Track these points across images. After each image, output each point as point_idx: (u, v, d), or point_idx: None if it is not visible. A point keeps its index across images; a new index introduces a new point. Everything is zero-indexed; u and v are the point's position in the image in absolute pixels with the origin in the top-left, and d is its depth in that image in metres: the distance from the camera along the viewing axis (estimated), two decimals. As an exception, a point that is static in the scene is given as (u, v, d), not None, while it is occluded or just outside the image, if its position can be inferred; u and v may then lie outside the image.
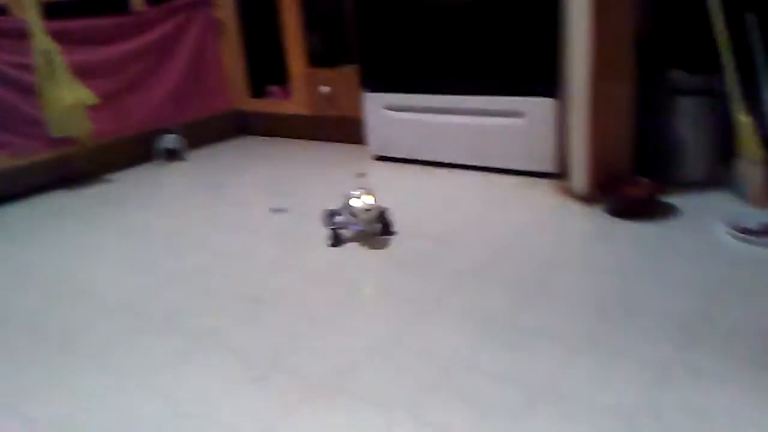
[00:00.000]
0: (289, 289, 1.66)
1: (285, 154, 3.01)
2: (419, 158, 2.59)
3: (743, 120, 1.87)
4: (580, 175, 2.06)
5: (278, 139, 3.29)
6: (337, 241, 1.89)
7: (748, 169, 1.91)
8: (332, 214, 1.92)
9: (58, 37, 2.50)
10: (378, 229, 1.90)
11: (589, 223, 1.92)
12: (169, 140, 2.95)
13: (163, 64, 2.96)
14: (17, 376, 1.38)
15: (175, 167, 2.93)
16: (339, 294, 1.61)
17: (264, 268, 1.81)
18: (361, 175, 1.81)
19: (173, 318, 1.57)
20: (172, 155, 2.98)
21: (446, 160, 2.52)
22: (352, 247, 1.88)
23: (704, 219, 1.83)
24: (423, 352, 1.32)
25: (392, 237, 1.90)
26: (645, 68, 2.05)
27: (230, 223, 2.20)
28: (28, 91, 2.49)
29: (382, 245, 1.86)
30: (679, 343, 1.27)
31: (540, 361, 1.26)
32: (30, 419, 1.23)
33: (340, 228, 1.89)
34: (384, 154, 2.69)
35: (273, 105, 3.20)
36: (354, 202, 1.81)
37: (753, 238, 1.67)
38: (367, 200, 1.81)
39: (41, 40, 2.45)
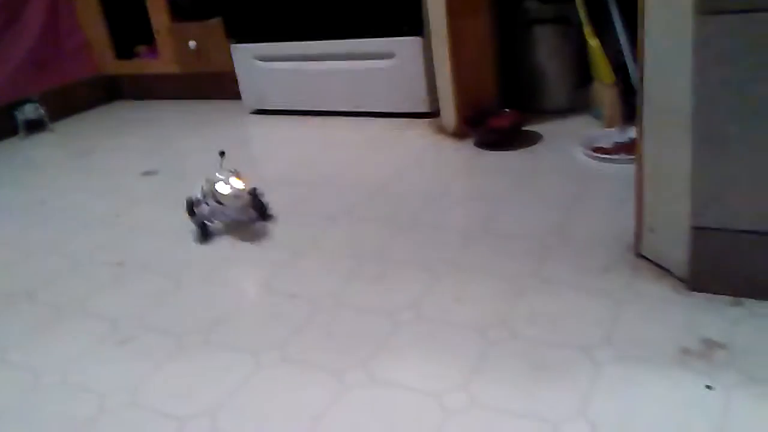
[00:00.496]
0: (157, 251, 1.62)
1: (158, 116, 2.89)
2: (295, 109, 2.55)
3: (593, 44, 1.95)
4: (449, 112, 2.10)
5: (152, 101, 3.14)
6: (205, 236, 1.61)
7: (602, 92, 2.00)
8: (195, 203, 1.61)
9: None
10: (253, 216, 1.63)
11: (460, 157, 1.97)
12: (31, 110, 2.76)
13: (12, 29, 2.74)
14: None
15: (40, 138, 2.75)
16: (209, 250, 1.59)
17: (132, 232, 1.75)
18: (222, 154, 1.58)
19: (37, 289, 1.49)
20: (35, 126, 2.79)
21: (322, 109, 2.50)
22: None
23: (564, 143, 1.91)
24: (293, 296, 1.33)
25: (270, 222, 1.66)
26: (501, 1, 2.09)
27: (99, 189, 2.10)
28: None
29: (258, 234, 1.62)
30: (535, 258, 1.34)
31: (404, 289, 1.29)
32: None
33: (206, 220, 1.61)
34: (259, 108, 2.64)
35: (141, 66, 3.05)
36: (220, 188, 1.51)
37: (606, 156, 1.77)
38: (236, 184, 1.52)
39: None
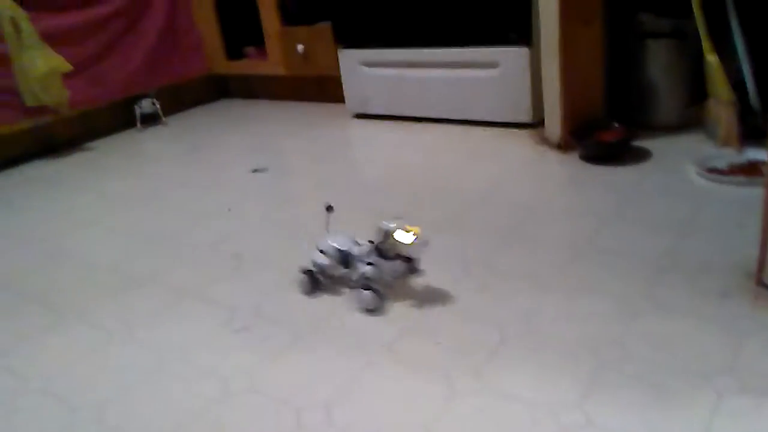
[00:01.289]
0: (269, 244, 1.69)
1: (264, 115, 3.01)
2: (397, 114, 2.60)
3: (712, 60, 1.88)
4: (554, 123, 2.08)
5: (257, 101, 3.28)
6: (379, 302, 1.32)
7: (718, 110, 1.93)
8: (320, 270, 1.39)
9: (24, 2, 2.46)
10: (401, 270, 1.37)
11: (564, 170, 1.95)
12: (147, 105, 2.94)
13: (136, 28, 2.93)
14: (5, 333, 1.41)
15: (155, 132, 2.92)
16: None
17: (245, 225, 1.83)
18: (329, 209, 1.40)
19: (159, 273, 1.60)
20: (151, 120, 2.97)
21: (424, 115, 2.53)
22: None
23: (675, 161, 1.86)
24: (403, 294, 1.36)
25: (418, 275, 1.41)
26: (614, 12, 2.05)
27: (210, 184, 2.21)
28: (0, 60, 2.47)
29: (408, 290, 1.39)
30: (646, 280, 1.32)
31: (512, 300, 1.30)
32: (20, 377, 1.27)
33: (366, 285, 1.32)
34: (362, 112, 2.70)
35: (250, 66, 3.18)
36: (401, 236, 1.28)
37: (721, 177, 1.71)
38: (406, 237, 1.28)
39: (5, 5, 2.42)
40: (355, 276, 1.35)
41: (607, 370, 1.08)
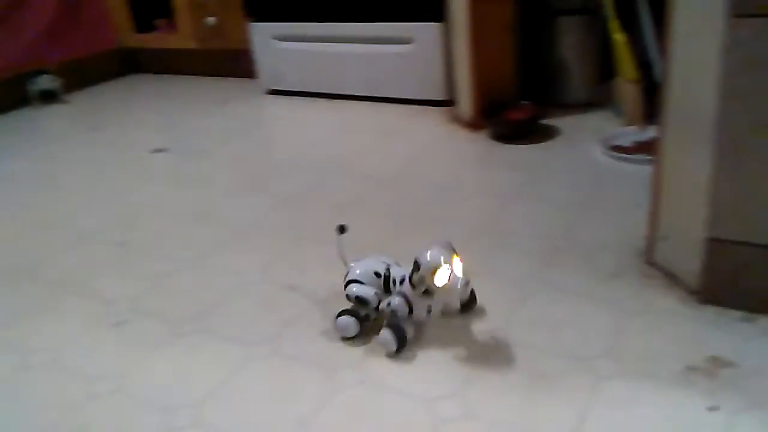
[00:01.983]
0: (160, 231, 1.60)
1: (174, 91, 2.87)
2: (311, 90, 2.51)
3: (618, 39, 1.88)
4: (465, 101, 2.05)
5: (170, 76, 3.12)
6: (403, 343, 1.07)
7: (624, 88, 1.94)
8: (364, 301, 1.10)
9: None
10: (440, 307, 1.09)
11: (473, 149, 1.92)
12: (45, 82, 2.75)
13: (27, 0, 2.73)
14: None
15: (54, 110, 2.74)
16: (212, 234, 1.56)
17: (136, 210, 1.73)
18: (342, 229, 1.17)
19: (35, 267, 1.48)
20: (49, 97, 2.78)
21: (338, 92, 2.45)
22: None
23: (582, 139, 1.86)
24: (291, 288, 1.30)
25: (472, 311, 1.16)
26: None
27: (109, 165, 2.09)
28: None
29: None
30: (542, 260, 1.30)
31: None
32: None
33: (398, 322, 1.07)
34: (275, 88, 2.60)
35: (160, 40, 3.02)
36: (440, 278, 1.01)
37: (625, 155, 1.71)
38: (457, 269, 1.02)
39: None
40: (383, 304, 1.08)
41: (490, 357, 1.05)
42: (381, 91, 2.36)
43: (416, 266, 1.02)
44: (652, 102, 1.88)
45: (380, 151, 1.96)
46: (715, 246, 1.07)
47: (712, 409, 0.91)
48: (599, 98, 2.07)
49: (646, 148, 1.72)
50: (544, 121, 1.97)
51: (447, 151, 1.93)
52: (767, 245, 1.03)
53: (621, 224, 1.39)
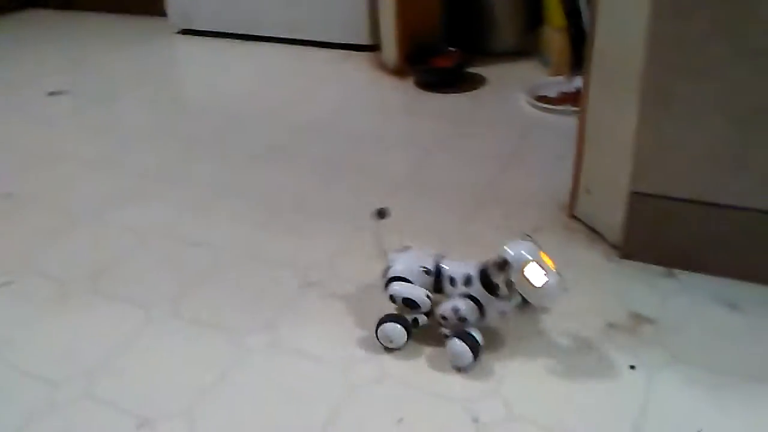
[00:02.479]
0: (54, 182, 1.46)
1: (77, 29, 2.63)
2: (226, 31, 2.35)
3: (547, -15, 1.82)
4: (390, 47, 1.95)
5: (73, 12, 2.86)
6: (477, 354, 0.90)
7: (551, 37, 1.89)
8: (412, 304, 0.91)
9: None
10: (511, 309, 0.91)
11: (398, 97, 1.84)
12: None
13: None
14: None
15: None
16: (112, 184, 1.43)
17: (27, 158, 1.57)
18: (382, 214, 0.96)
19: None
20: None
21: (256, 33, 2.30)
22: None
23: (508, 88, 1.80)
24: (196, 244, 1.20)
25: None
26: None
27: (-3, 109, 1.89)
28: None
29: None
30: (463, 214, 1.25)
31: (321, 244, 1.18)
32: None
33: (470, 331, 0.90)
34: (187, 27, 2.41)
35: (60, -29, 2.75)
36: (534, 276, 0.83)
37: (549, 106, 1.67)
38: (538, 277, 0.84)
39: None
40: (445, 309, 0.89)
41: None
42: (303, 33, 2.22)
43: (502, 264, 0.84)
44: (580, 51, 1.84)
45: (300, 98, 1.85)
46: (638, 200, 1.05)
47: (632, 366, 0.89)
48: (527, 47, 2.02)
49: (572, 98, 1.69)
50: (471, 70, 1.91)
51: (371, 99, 1.84)
52: (689, 199, 1.01)
53: (545, 177, 1.35)
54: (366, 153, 1.52)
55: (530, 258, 0.83)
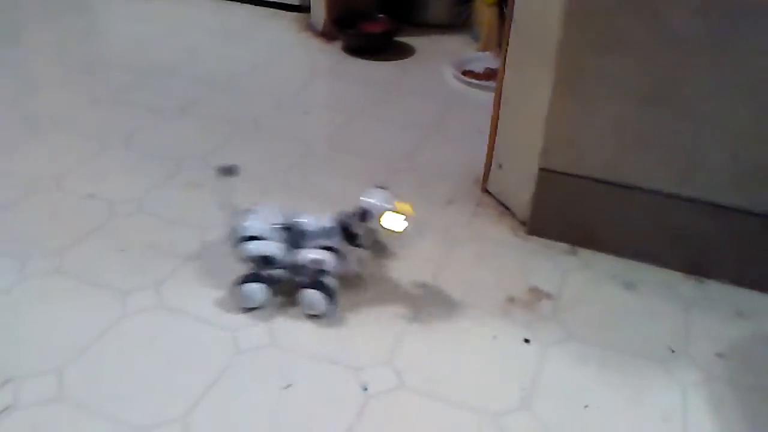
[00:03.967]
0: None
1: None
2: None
3: (480, -42, 1.79)
4: (318, 8, 1.89)
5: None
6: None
7: (482, 12, 1.87)
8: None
9: None
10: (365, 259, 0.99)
11: (323, 60, 1.78)
12: None
13: None
14: None
15: None
16: (6, 127, 1.33)
17: None
18: (229, 171, 0.94)
19: None
20: None
21: (180, -16, 2.18)
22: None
23: (435, 60, 1.77)
24: (90, 196, 1.13)
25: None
26: None
27: None
28: None
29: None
30: (377, 183, 1.21)
31: (196, 194, 1.13)
32: None
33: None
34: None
35: None
36: (389, 222, 0.86)
37: (474, 80, 1.66)
38: (396, 223, 0.87)
39: None
40: (303, 259, 0.89)
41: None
42: (229, -12, 2.12)
43: (363, 215, 0.86)
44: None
45: (219, 54, 1.77)
46: (546, 177, 1.04)
47: (527, 340, 0.89)
48: (458, 21, 1.99)
49: (496, 75, 1.68)
50: (400, 39, 1.87)
51: (294, 60, 1.78)
52: (594, 178, 1.01)
53: (464, 150, 1.34)
54: (284, 114, 1.46)
55: (389, 206, 0.86)
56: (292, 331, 0.88)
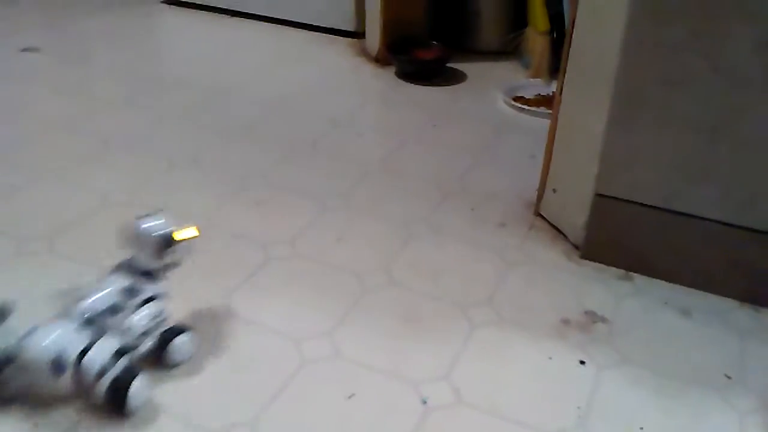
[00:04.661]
0: (18, 139, 1.42)
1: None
2: (210, 4, 2.31)
3: (533, -13, 1.83)
4: (373, 35, 1.94)
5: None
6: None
7: (533, 40, 1.90)
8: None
9: None
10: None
11: (377, 84, 1.83)
12: None
13: None
14: None
15: None
16: (79, 146, 1.41)
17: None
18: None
19: None
20: None
21: (242, 9, 2.27)
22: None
23: (487, 86, 1.81)
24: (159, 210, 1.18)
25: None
26: None
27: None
28: None
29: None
30: (431, 205, 1.25)
31: (285, 220, 1.18)
32: None
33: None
34: (173, -2, 2.38)
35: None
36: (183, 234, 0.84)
37: (525, 106, 1.69)
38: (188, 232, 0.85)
39: None
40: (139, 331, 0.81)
41: (366, 299, 1.00)
42: (287, 14, 2.20)
43: (158, 247, 0.81)
44: (560, 56, 1.86)
45: (277, 77, 1.84)
46: (601, 202, 1.06)
47: (582, 362, 0.90)
48: (509, 48, 2.03)
49: (549, 101, 1.70)
50: (452, 65, 1.91)
51: (348, 84, 1.84)
52: (650, 205, 1.03)
53: (515, 175, 1.36)
54: (338, 137, 1.51)
55: (173, 226, 0.83)
56: (359, 344, 0.91)
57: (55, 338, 0.75)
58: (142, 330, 0.81)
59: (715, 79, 0.92)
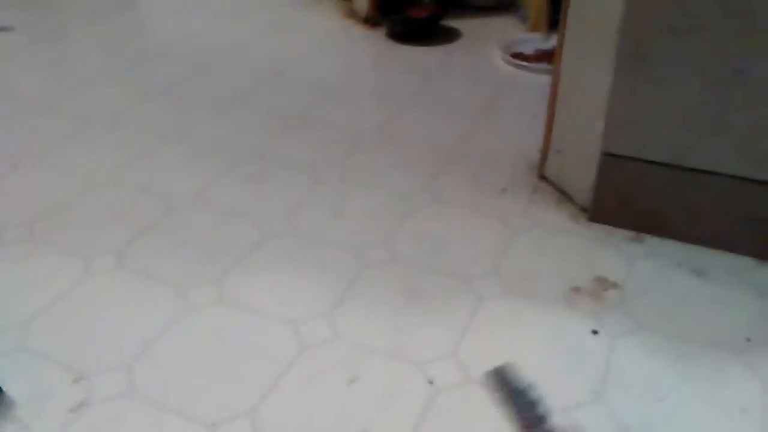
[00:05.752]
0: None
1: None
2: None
3: (528, -64, 1.74)
4: (362, -6, 1.86)
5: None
6: None
7: (530, -8, 1.82)
8: None
9: None
10: None
11: (368, 47, 1.76)
12: None
13: None
14: None
15: None
16: (60, 127, 1.35)
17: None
18: None
19: None
20: None
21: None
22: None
23: (483, 43, 1.74)
24: (145, 190, 1.14)
25: None
26: None
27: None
28: None
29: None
30: (431, 172, 1.20)
31: (280, 195, 1.13)
32: None
33: None
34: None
35: None
36: None
37: (524, 63, 1.62)
38: None
39: None
40: None
41: (366, 275, 0.95)
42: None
43: None
44: (559, 7, 1.78)
45: (266, 44, 1.76)
46: (608, 161, 1.01)
47: (595, 331, 0.86)
48: (505, 2, 1.95)
49: (549, 56, 1.63)
50: (446, 22, 1.83)
51: (339, 48, 1.76)
52: (660, 162, 0.97)
53: (516, 136, 1.31)
54: (330, 105, 1.45)
55: None
56: (358, 321, 0.87)
57: None
58: None
59: (727, 24, 0.85)
